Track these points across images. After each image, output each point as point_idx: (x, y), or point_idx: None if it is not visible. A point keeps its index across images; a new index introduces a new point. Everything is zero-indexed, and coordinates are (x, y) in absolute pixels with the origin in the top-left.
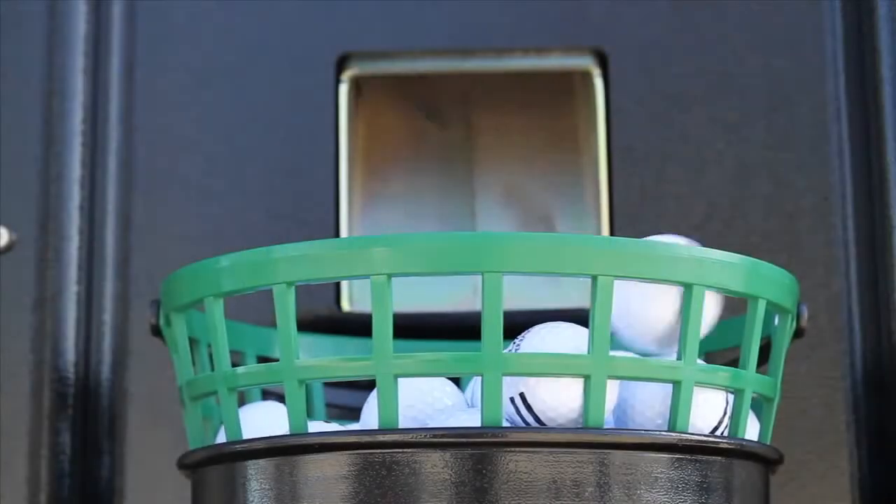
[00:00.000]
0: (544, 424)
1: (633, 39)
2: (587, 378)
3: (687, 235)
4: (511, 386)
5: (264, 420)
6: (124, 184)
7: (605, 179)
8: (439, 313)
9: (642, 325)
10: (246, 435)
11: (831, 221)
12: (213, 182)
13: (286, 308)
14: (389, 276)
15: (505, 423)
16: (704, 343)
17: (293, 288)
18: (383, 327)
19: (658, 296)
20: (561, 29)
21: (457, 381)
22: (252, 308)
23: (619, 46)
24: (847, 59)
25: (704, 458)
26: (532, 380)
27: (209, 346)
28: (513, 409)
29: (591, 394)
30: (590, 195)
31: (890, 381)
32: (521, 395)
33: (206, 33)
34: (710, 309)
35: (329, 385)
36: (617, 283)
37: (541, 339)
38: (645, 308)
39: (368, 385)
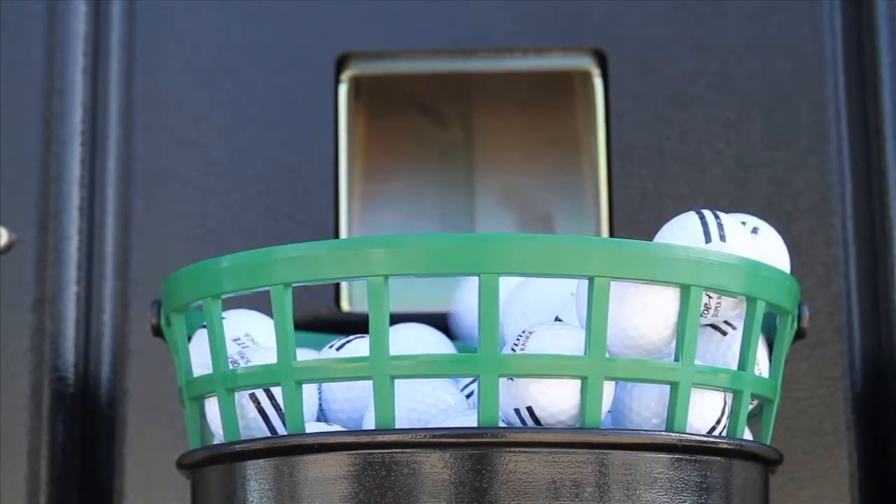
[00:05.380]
0: None
1: (632, 39)
2: (584, 379)
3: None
4: (518, 399)
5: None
6: (124, 184)
7: (604, 179)
8: (438, 313)
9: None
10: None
11: (831, 221)
12: (212, 182)
13: (283, 309)
14: (386, 276)
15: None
16: None
17: (290, 289)
18: (380, 328)
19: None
20: (561, 29)
21: None
22: (251, 308)
23: (618, 47)
24: (847, 59)
25: (704, 458)
26: (541, 395)
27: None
28: (517, 421)
29: (588, 395)
30: (589, 195)
31: (890, 381)
32: (529, 409)
33: (206, 33)
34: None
35: None
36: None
37: (541, 344)
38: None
39: None
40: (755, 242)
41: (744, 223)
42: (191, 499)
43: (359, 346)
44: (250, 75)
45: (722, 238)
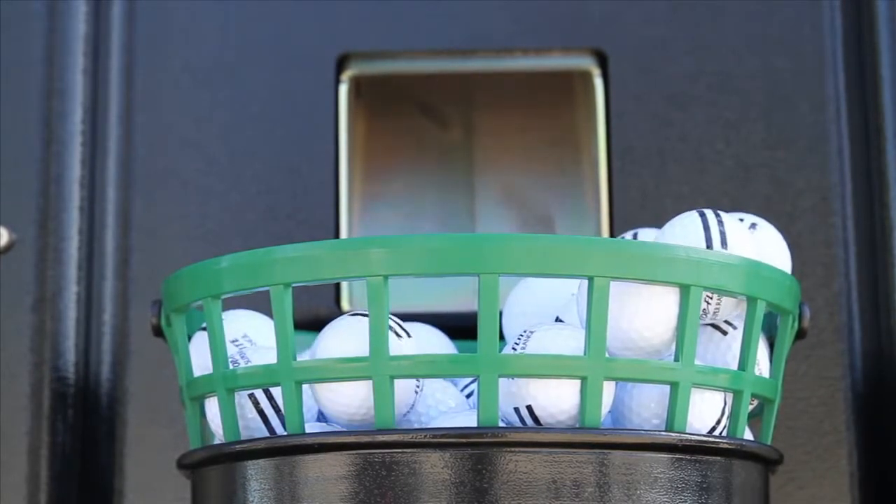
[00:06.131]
0: None
1: (632, 39)
2: (584, 379)
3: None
4: (517, 398)
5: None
6: (124, 184)
7: (604, 179)
8: (438, 313)
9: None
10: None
11: (831, 221)
12: (212, 182)
13: (283, 309)
14: (386, 277)
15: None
16: None
17: (290, 289)
18: (380, 328)
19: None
20: (561, 29)
21: None
22: (252, 307)
23: (618, 46)
24: (847, 59)
25: (704, 458)
26: (541, 394)
27: None
28: (517, 419)
29: (588, 395)
30: (589, 195)
31: (890, 381)
32: (529, 408)
33: (205, 33)
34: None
35: None
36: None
37: (542, 344)
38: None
39: None
40: (755, 240)
41: (741, 220)
42: (191, 499)
43: None
44: (250, 75)
45: (724, 245)
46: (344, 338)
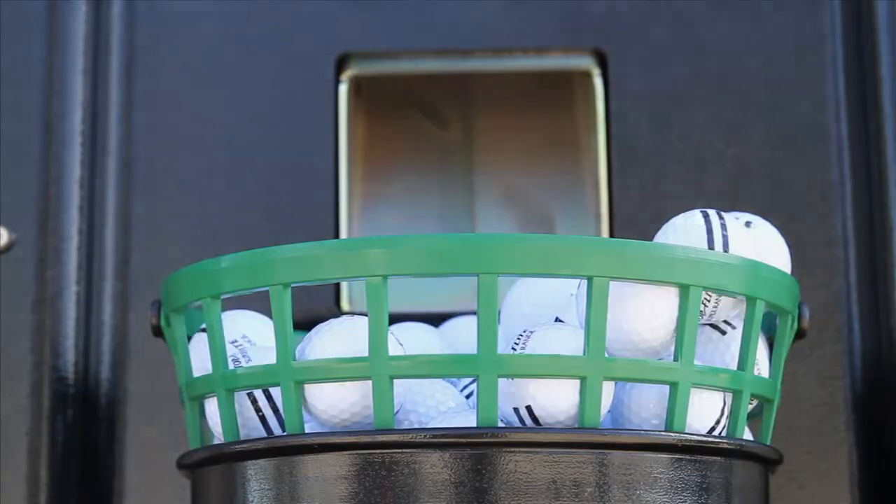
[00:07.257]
0: None
1: (633, 39)
2: (583, 379)
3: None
4: (517, 398)
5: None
6: (124, 184)
7: (604, 180)
8: (438, 313)
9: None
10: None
11: (831, 221)
12: (213, 182)
13: (282, 309)
14: (385, 277)
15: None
16: None
17: (289, 289)
18: (379, 328)
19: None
20: (561, 29)
21: None
22: (252, 307)
23: (618, 46)
24: (847, 59)
25: (704, 458)
26: (541, 395)
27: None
28: (516, 420)
29: (587, 395)
30: (589, 195)
31: (890, 381)
32: (528, 409)
33: (205, 33)
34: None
35: None
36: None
37: (542, 344)
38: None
39: None
40: (754, 240)
41: (737, 218)
42: (191, 499)
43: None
44: (250, 75)
45: (725, 247)
46: (338, 339)
